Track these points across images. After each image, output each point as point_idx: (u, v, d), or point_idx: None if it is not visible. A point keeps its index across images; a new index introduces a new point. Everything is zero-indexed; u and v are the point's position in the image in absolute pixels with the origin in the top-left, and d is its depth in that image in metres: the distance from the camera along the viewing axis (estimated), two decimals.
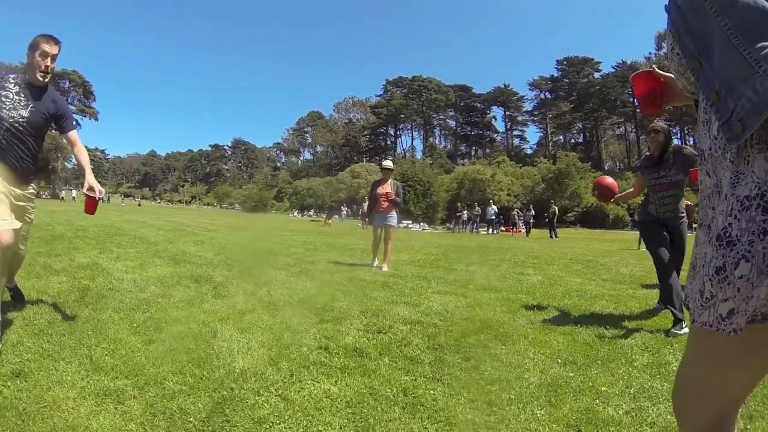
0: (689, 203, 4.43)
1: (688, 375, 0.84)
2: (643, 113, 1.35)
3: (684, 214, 3.58)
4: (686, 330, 2.72)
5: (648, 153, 3.75)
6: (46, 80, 2.57)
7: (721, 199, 0.72)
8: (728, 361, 0.75)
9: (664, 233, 3.50)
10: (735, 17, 0.65)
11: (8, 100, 2.46)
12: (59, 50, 2.58)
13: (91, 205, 2.70)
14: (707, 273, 0.71)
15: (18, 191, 2.51)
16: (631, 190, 3.92)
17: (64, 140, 2.77)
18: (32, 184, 2.67)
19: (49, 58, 2.53)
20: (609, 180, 3.61)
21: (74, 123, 2.81)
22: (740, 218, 0.66)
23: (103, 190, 2.69)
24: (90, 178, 2.60)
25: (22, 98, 2.50)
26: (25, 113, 2.50)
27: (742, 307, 0.67)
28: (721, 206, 0.71)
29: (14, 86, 2.50)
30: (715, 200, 0.76)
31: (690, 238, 3.20)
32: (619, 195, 3.71)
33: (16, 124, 2.47)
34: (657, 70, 1.22)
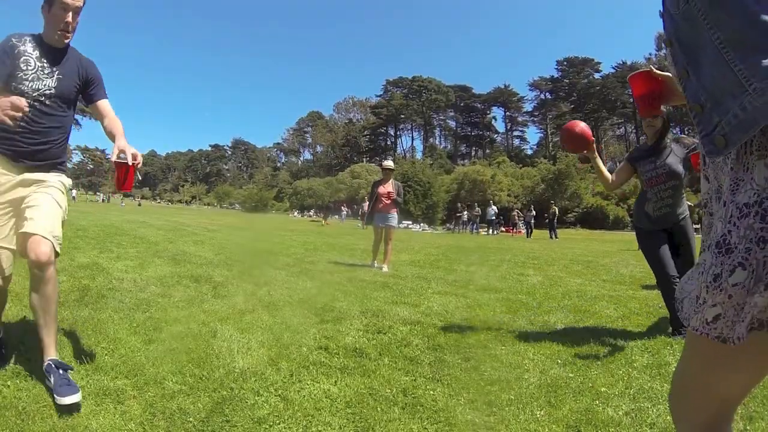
0: (690, 204, 4.25)
1: (683, 377, 0.84)
2: (640, 114, 1.34)
3: (686, 211, 3.11)
4: None
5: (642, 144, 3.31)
6: (68, 41, 2.03)
7: (720, 206, 0.72)
8: (723, 365, 0.75)
9: (664, 244, 3.06)
10: (727, 31, 0.64)
11: (29, 68, 1.91)
12: (84, 3, 1.99)
13: (121, 175, 1.91)
14: (705, 280, 0.71)
15: (16, 176, 1.93)
16: (612, 177, 3.15)
17: (92, 113, 2.20)
18: (62, 175, 2.08)
19: (70, 13, 1.95)
20: (581, 125, 2.70)
21: (105, 91, 2.22)
22: (739, 225, 0.66)
23: (139, 156, 1.93)
24: (121, 141, 1.96)
25: (45, 64, 1.96)
26: (51, 83, 1.96)
27: (730, 313, 0.67)
28: (720, 213, 0.71)
29: (33, 50, 1.95)
30: (715, 206, 0.76)
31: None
32: (598, 168, 2.97)
33: (42, 98, 1.94)
34: (655, 70, 1.21)
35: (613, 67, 62.61)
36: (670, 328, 3.08)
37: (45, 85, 1.95)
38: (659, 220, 3.10)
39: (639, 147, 3.24)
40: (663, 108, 2.80)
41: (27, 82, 1.91)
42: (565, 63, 67.48)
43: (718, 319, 0.68)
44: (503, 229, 27.46)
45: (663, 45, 1.24)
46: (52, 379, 1.75)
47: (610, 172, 3.16)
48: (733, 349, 0.70)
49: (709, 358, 0.75)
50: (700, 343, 0.76)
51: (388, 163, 6.78)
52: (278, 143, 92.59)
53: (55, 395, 1.67)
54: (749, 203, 0.65)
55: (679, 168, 3.04)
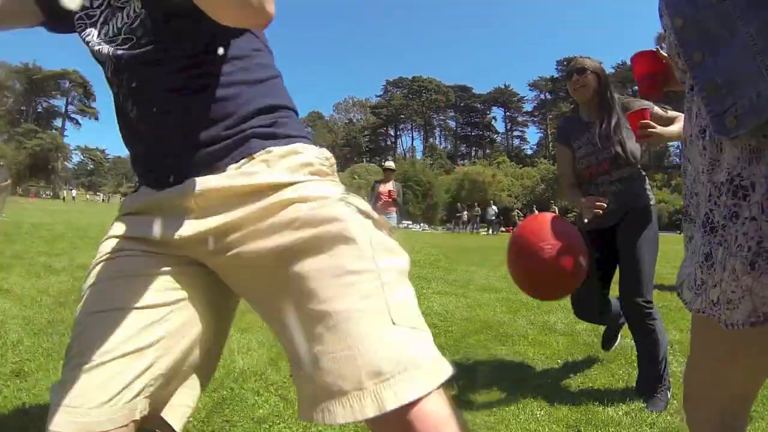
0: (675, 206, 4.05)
1: (691, 369, 0.84)
2: (641, 95, 1.31)
3: (646, 200, 1.99)
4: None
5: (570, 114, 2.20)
6: None
7: (701, 186, 0.75)
8: (727, 355, 0.75)
9: (599, 265, 1.99)
10: (755, 24, 0.66)
11: (88, 19, 0.81)
12: None
13: None
14: (698, 260, 0.73)
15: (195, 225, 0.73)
16: (567, 181, 2.13)
17: None
18: (260, 158, 0.76)
19: None
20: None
21: None
22: (719, 203, 0.70)
23: None
24: None
25: None
26: (130, 10, 0.76)
27: (723, 293, 0.69)
28: (703, 193, 0.74)
29: None
30: (698, 187, 0.78)
31: (670, 237, 3.05)
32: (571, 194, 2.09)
33: (123, 51, 0.76)
34: (660, 51, 1.20)
35: (613, 67, 62.58)
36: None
37: (120, 28, 0.78)
38: (604, 217, 1.93)
39: (569, 118, 2.16)
40: (594, 60, 2.07)
41: (93, 36, 0.81)
42: (565, 63, 67.46)
43: (720, 300, 0.69)
44: (503, 229, 27.48)
45: (667, 29, 0.83)
46: None
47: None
48: (746, 342, 0.71)
49: (716, 346, 0.76)
50: (710, 335, 0.76)
51: (390, 163, 6.83)
52: None
53: None
54: (723, 182, 0.69)
55: (633, 149, 1.97)
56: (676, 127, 1.79)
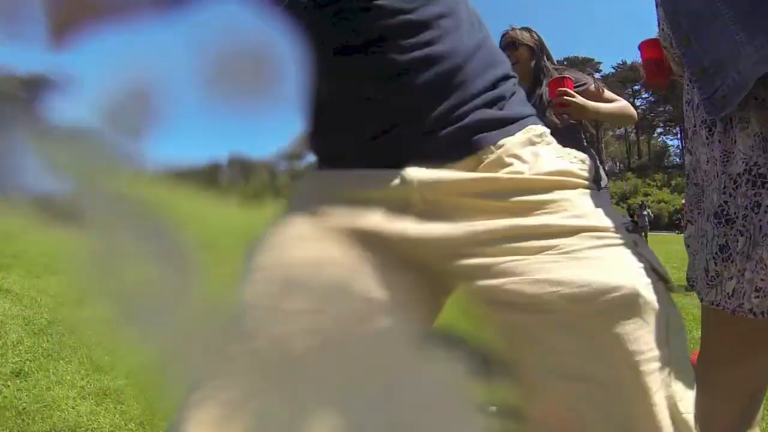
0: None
1: (700, 364, 0.83)
2: (647, 80, 1.28)
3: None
4: None
5: None
6: None
7: (711, 177, 0.75)
8: (738, 347, 0.75)
9: None
10: (735, 7, 0.67)
11: None
12: None
13: None
14: (710, 251, 0.72)
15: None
16: None
17: None
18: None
19: None
20: None
21: None
22: (735, 195, 0.69)
23: None
24: None
25: None
26: None
27: (742, 282, 0.69)
28: (714, 184, 0.74)
29: None
30: (700, 176, 0.78)
31: (670, 237, 2.96)
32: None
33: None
34: None
35: (613, 67, 62.51)
36: None
37: None
38: None
39: None
40: (528, 32, 2.00)
41: None
42: (565, 63, 66.66)
43: (737, 291, 0.69)
44: None
45: (661, 19, 0.84)
46: None
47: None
48: (751, 332, 0.70)
49: (727, 339, 0.75)
50: (718, 323, 0.76)
51: None
52: None
53: None
54: (740, 172, 0.69)
55: (568, 123, 1.78)
56: (608, 106, 1.68)
